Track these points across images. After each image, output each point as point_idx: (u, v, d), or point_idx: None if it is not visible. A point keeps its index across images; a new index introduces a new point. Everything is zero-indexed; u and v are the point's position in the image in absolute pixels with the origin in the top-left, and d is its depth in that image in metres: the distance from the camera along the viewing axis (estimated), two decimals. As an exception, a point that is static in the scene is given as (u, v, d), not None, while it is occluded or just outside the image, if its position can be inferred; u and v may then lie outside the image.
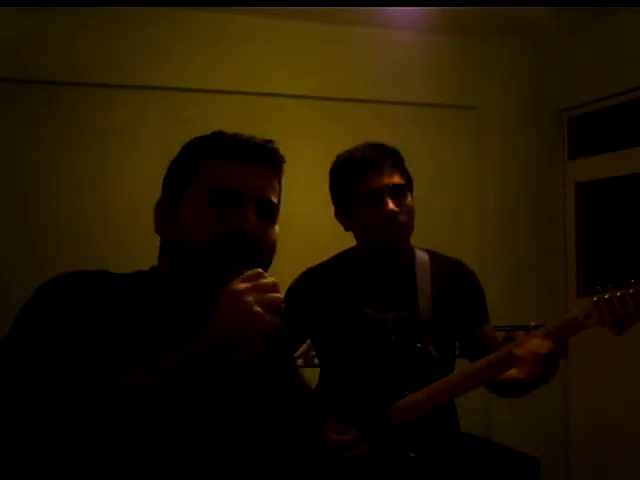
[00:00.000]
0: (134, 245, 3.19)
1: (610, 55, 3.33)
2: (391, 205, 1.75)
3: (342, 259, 1.92)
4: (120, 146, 3.19)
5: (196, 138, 1.22)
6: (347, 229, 1.89)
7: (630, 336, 2.71)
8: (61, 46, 3.08)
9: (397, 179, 1.79)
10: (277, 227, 1.17)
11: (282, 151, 3.79)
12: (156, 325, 1.03)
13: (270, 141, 1.18)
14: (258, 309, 0.94)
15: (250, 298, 0.94)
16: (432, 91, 3.60)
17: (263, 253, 1.12)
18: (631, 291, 1.56)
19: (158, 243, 1.16)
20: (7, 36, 2.99)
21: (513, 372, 1.68)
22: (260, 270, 1.00)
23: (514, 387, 1.77)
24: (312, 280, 1.90)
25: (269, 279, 0.99)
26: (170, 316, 1.06)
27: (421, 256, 1.88)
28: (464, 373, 1.73)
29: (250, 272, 0.98)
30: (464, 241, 3.56)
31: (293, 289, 1.92)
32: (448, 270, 1.89)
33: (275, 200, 1.14)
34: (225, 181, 1.09)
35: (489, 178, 3.64)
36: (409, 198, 1.81)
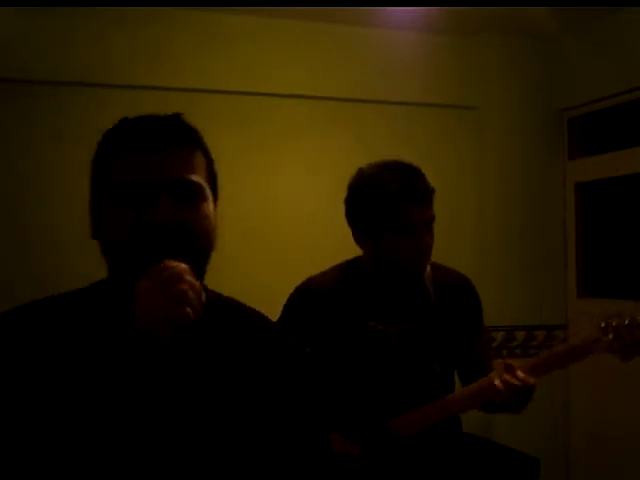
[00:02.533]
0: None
1: (610, 55, 3.32)
2: (427, 239, 1.74)
3: (345, 270, 1.89)
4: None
5: (106, 132, 1.15)
6: (366, 251, 1.84)
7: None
8: (61, 46, 3.08)
9: (433, 212, 1.77)
10: (210, 205, 1.07)
11: (282, 151, 3.78)
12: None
13: (176, 117, 1.10)
14: (162, 305, 0.90)
15: (154, 294, 0.91)
16: (432, 91, 3.60)
17: (194, 238, 1.03)
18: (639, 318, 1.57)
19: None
20: (7, 36, 2.99)
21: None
22: (166, 262, 0.94)
23: (494, 408, 1.79)
24: (314, 290, 1.86)
25: (176, 268, 0.93)
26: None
27: (425, 269, 1.87)
28: (466, 392, 1.73)
29: (155, 267, 0.93)
30: (464, 241, 3.56)
31: (294, 299, 1.90)
32: (451, 284, 1.87)
33: (196, 178, 1.04)
34: (132, 175, 1.02)
35: (489, 178, 3.64)
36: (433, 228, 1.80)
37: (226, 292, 3.74)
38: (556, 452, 3.57)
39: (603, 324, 1.60)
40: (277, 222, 3.38)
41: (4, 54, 2.98)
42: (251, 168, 3.36)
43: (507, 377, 1.63)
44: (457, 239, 3.50)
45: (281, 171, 3.41)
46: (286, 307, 1.90)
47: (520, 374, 1.63)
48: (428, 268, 1.86)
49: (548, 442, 3.48)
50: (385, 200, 1.71)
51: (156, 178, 1.01)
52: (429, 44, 3.57)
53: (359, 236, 1.82)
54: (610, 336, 1.59)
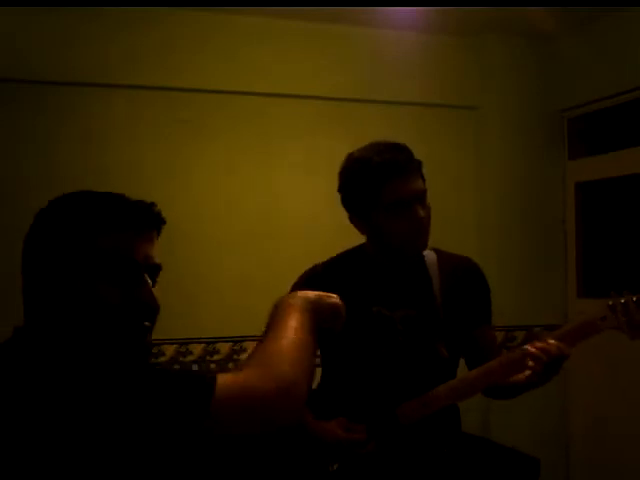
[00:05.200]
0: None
1: (610, 55, 3.32)
2: (421, 213, 1.71)
3: (349, 256, 1.89)
4: (119, 146, 3.19)
5: (85, 209, 1.13)
6: (364, 233, 1.84)
7: (630, 336, 2.70)
8: (61, 46, 3.08)
9: (422, 185, 1.75)
10: None
11: (282, 151, 3.78)
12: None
13: (154, 205, 1.17)
14: None
15: None
16: (432, 91, 3.60)
17: (157, 315, 1.15)
18: None
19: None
20: (7, 36, 2.99)
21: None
22: None
23: (511, 389, 1.77)
24: (318, 276, 1.87)
25: None
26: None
27: (429, 255, 1.86)
28: (475, 374, 1.72)
29: None
30: (464, 241, 3.55)
31: (299, 284, 1.89)
32: (456, 268, 1.86)
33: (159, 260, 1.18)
34: (124, 254, 1.10)
35: (489, 178, 3.64)
36: (428, 203, 1.77)
37: (226, 290, 3.74)
38: (556, 452, 3.57)
39: (611, 302, 1.59)
40: (277, 222, 3.38)
41: (4, 54, 2.99)
42: (251, 168, 3.37)
43: (541, 344, 1.60)
44: (457, 239, 3.49)
45: (281, 171, 3.41)
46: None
47: (552, 342, 1.60)
48: (434, 255, 1.86)
49: (548, 442, 3.48)
50: (368, 176, 1.71)
51: (143, 260, 1.12)
52: (429, 44, 3.58)
53: (354, 218, 1.82)
54: (618, 313, 1.58)
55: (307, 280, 1.88)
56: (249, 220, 3.34)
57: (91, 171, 3.15)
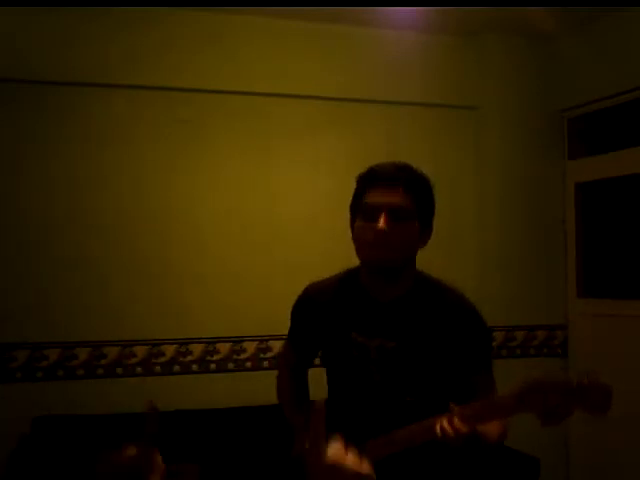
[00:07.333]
0: (133, 244, 3.19)
1: (610, 55, 3.32)
2: (382, 223, 1.64)
3: (342, 278, 1.86)
4: (119, 146, 3.19)
5: None
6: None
7: (629, 337, 2.71)
8: (61, 46, 3.09)
9: (401, 201, 1.67)
10: None
11: (282, 151, 3.80)
12: None
13: None
14: None
15: None
16: (432, 91, 3.60)
17: None
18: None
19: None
20: (7, 36, 2.99)
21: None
22: None
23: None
24: (310, 298, 1.87)
25: None
26: None
27: (422, 286, 1.78)
28: (418, 428, 1.63)
29: None
30: (464, 242, 3.56)
31: (295, 307, 1.91)
32: (449, 307, 1.76)
33: None
34: None
35: (489, 178, 3.64)
36: (411, 225, 1.69)
37: (226, 291, 3.74)
38: (556, 452, 3.57)
39: (525, 384, 1.54)
40: (277, 222, 3.38)
41: (4, 54, 2.99)
42: (251, 168, 3.37)
43: (444, 424, 1.57)
44: (457, 239, 3.50)
45: (281, 171, 3.41)
46: (291, 315, 1.93)
47: (457, 423, 1.56)
48: (427, 287, 1.78)
49: (548, 442, 3.48)
50: (359, 182, 1.75)
51: None
52: (429, 44, 3.58)
53: (351, 225, 1.82)
54: (531, 398, 1.54)
55: (300, 303, 1.89)
56: (249, 220, 3.34)
57: (90, 171, 3.15)
